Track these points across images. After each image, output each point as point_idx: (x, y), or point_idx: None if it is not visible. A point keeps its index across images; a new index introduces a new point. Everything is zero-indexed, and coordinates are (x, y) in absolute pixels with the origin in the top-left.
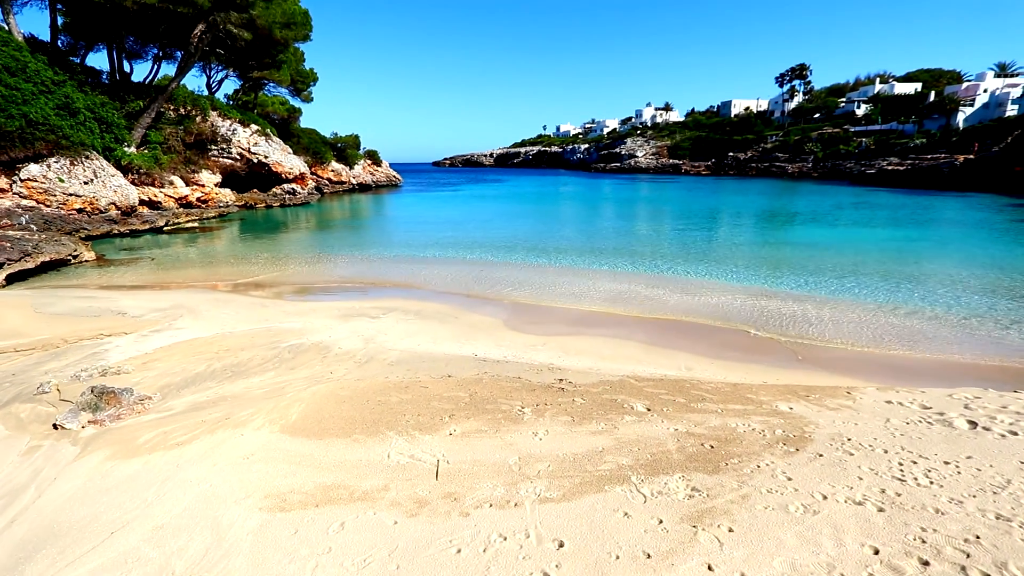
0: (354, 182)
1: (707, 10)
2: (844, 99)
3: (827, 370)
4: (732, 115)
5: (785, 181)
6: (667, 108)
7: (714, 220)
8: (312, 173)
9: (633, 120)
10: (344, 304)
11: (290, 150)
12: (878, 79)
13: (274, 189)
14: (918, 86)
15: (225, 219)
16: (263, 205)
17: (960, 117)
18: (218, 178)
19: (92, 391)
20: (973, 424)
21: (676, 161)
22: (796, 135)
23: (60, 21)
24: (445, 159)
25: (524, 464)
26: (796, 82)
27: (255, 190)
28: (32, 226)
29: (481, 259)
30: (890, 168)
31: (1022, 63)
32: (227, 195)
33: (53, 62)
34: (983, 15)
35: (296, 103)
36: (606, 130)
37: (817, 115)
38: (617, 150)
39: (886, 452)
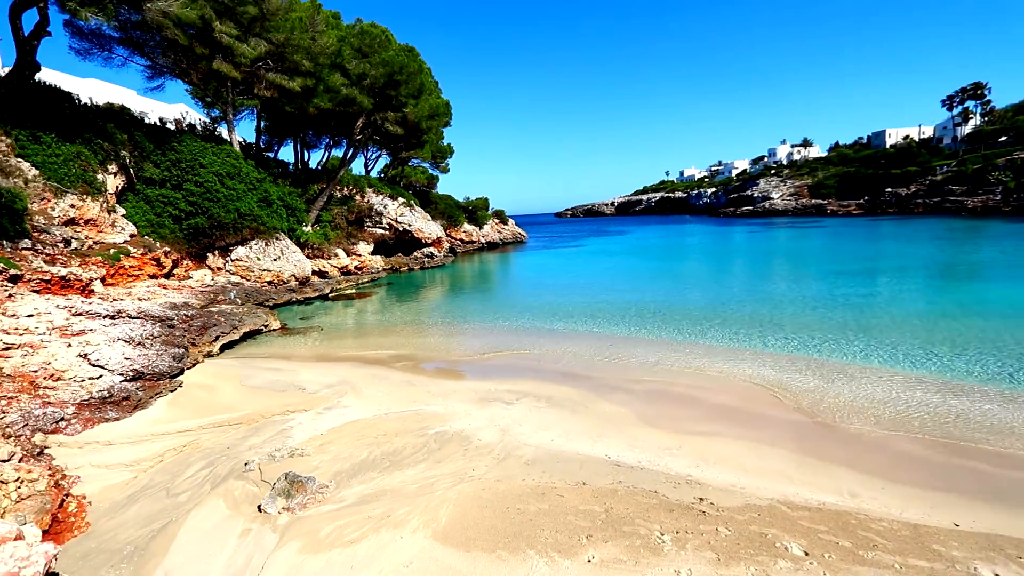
0: (483, 241)
1: (845, 38)
2: None
3: None
4: (887, 146)
5: (965, 219)
6: (806, 144)
7: (872, 277)
8: (447, 235)
9: (766, 159)
10: (480, 386)
11: (429, 216)
12: None
13: (415, 253)
14: None
15: (376, 283)
16: (406, 268)
17: None
18: (371, 247)
19: (286, 478)
20: None
21: (819, 201)
22: (975, 163)
23: (262, 125)
24: (567, 210)
25: None
26: (970, 103)
27: (399, 254)
28: (237, 299)
29: (608, 332)
30: None
31: None
32: (378, 261)
33: (257, 162)
34: None
35: (435, 172)
36: (735, 172)
37: (1003, 138)
38: (748, 192)
39: None
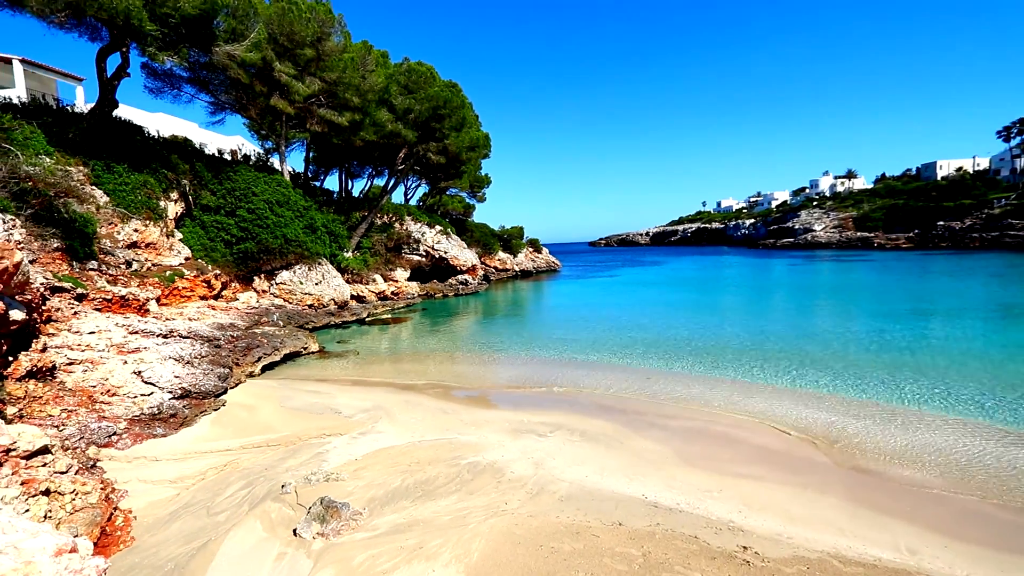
0: (517, 269)
1: (888, 68)
2: None
3: None
4: (939, 178)
5: None
6: (850, 176)
7: (926, 315)
8: (482, 263)
9: (808, 191)
10: (513, 416)
11: (465, 244)
12: None
13: (450, 280)
14: None
15: (411, 308)
16: (441, 295)
17: None
18: (408, 273)
19: (321, 503)
20: None
21: (865, 234)
22: None
23: (311, 155)
24: (601, 239)
25: None
26: None
27: (435, 281)
28: (280, 322)
29: (643, 366)
30: None
31: None
32: (413, 287)
33: (304, 190)
34: None
35: (471, 201)
36: (774, 203)
37: None
38: (789, 224)
39: None
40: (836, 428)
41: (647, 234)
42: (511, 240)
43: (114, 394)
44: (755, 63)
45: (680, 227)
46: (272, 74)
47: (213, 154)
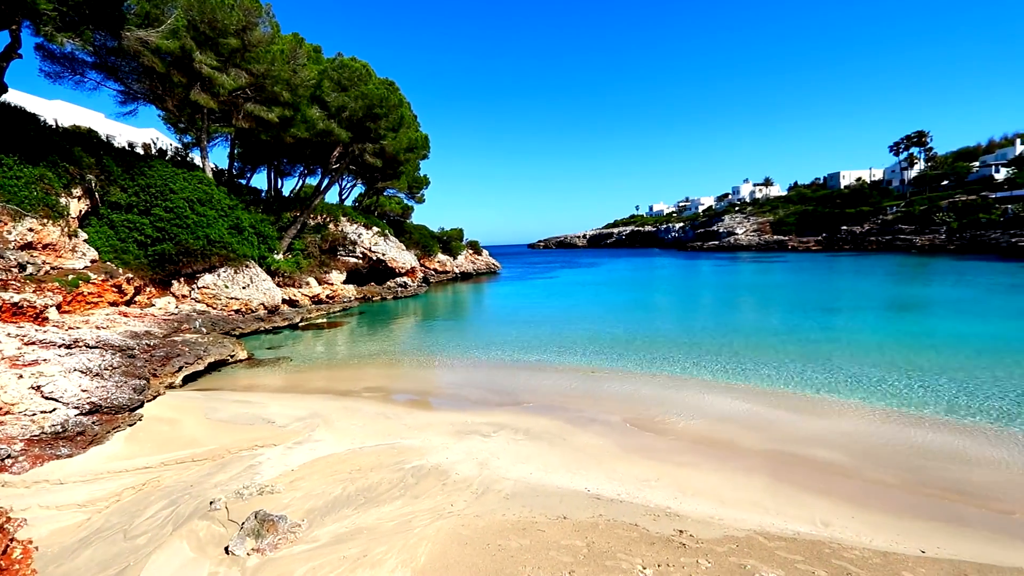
0: (457, 271)
1: (805, 83)
2: (977, 163)
3: (1003, 536)
4: (842, 186)
5: (914, 256)
6: (767, 183)
7: (833, 311)
8: (421, 265)
9: (730, 197)
10: (457, 418)
11: (403, 246)
12: (1019, 139)
13: (388, 282)
14: None
15: (348, 312)
16: (379, 298)
17: None
18: (344, 276)
19: (256, 517)
20: None
21: (781, 237)
22: (922, 205)
23: (236, 152)
24: (539, 241)
25: None
26: (915, 149)
27: (372, 284)
28: (203, 328)
29: (582, 364)
30: None
31: None
32: (350, 290)
33: (229, 188)
34: None
35: (410, 203)
36: (701, 208)
37: (945, 182)
38: (714, 228)
39: None
40: (759, 416)
41: (584, 236)
42: (451, 242)
43: (7, 412)
44: (683, 74)
45: (615, 230)
46: (192, 64)
47: (124, 147)
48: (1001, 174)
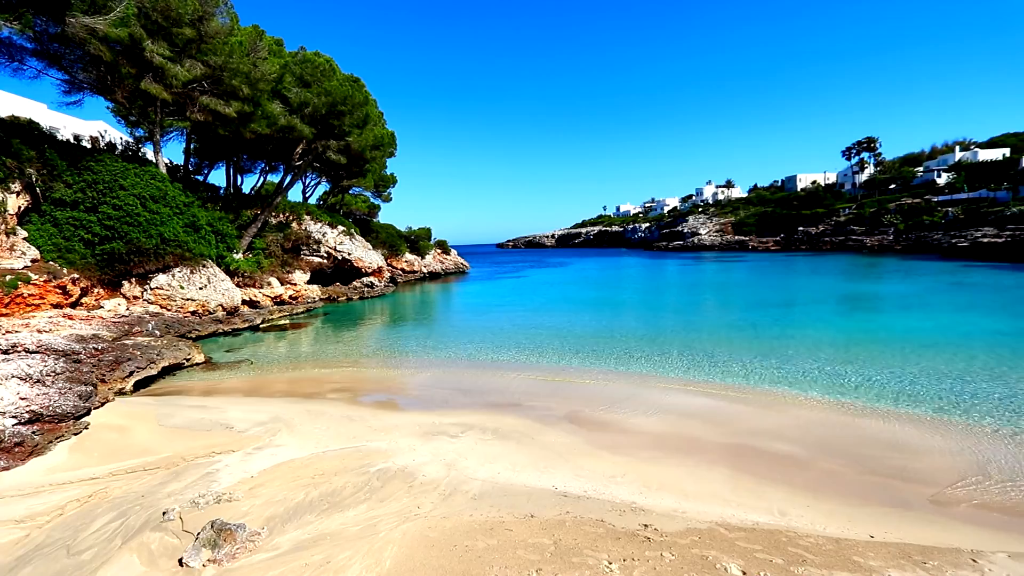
0: (425, 271)
1: (766, 88)
2: (921, 168)
3: (943, 518)
4: (798, 189)
5: (864, 256)
6: (728, 185)
7: (790, 309)
8: (388, 265)
9: (694, 198)
10: (424, 419)
11: (370, 246)
12: (958, 146)
13: (354, 282)
14: (1006, 151)
15: (312, 313)
16: (344, 298)
17: None
18: (307, 276)
19: (212, 526)
20: None
21: (742, 237)
22: (871, 207)
23: (192, 147)
24: (508, 241)
25: None
26: (865, 154)
27: (338, 283)
28: (156, 331)
29: (551, 363)
30: (987, 240)
31: None
32: (314, 291)
33: (185, 185)
34: None
35: (376, 201)
36: (666, 208)
37: (892, 186)
38: (679, 228)
39: None
40: (722, 410)
41: (553, 236)
42: (419, 241)
43: None
44: (651, 77)
45: (583, 230)
46: (143, 54)
47: (68, 140)
48: (942, 179)
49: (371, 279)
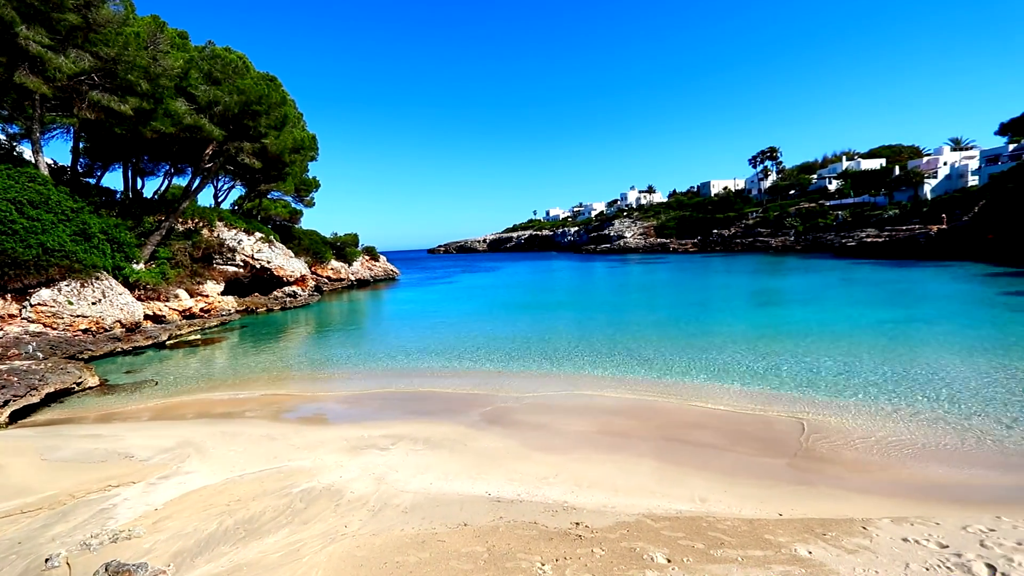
0: (353, 279)
1: (683, 97)
2: (815, 176)
3: (839, 490)
4: (712, 194)
5: (771, 256)
6: (650, 190)
7: (706, 307)
8: (313, 273)
9: (619, 203)
10: (352, 433)
11: (292, 253)
12: (844, 156)
13: (275, 292)
14: (882, 161)
15: (227, 327)
16: (264, 309)
17: (927, 188)
18: (221, 286)
19: (107, 569)
20: (992, 569)
21: (664, 240)
22: (775, 211)
23: (81, 146)
24: (440, 246)
25: None
26: (768, 163)
27: (256, 294)
28: (38, 353)
29: (482, 368)
30: (870, 240)
31: (971, 137)
32: (229, 302)
33: (73, 188)
34: (934, 94)
35: (298, 206)
36: (594, 213)
37: (792, 191)
38: (606, 232)
39: None
40: (648, 405)
41: (484, 241)
42: (345, 248)
43: None
44: (577, 85)
45: (515, 234)
46: (15, 40)
47: None
48: (833, 185)
49: (294, 288)
